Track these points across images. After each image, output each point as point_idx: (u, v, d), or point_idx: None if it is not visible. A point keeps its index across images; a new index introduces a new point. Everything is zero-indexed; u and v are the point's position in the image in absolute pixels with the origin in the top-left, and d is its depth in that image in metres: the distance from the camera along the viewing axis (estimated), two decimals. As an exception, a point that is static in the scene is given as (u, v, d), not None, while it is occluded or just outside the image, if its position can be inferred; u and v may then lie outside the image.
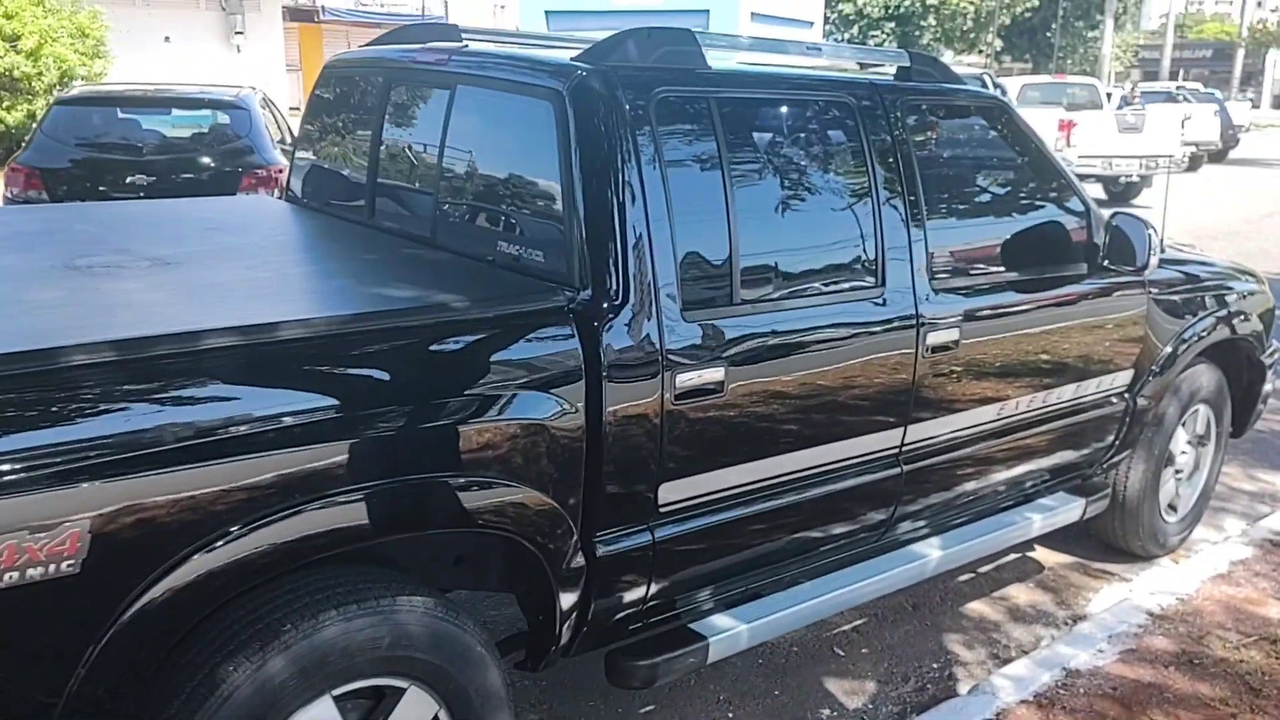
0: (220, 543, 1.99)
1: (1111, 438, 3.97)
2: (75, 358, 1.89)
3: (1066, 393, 3.67)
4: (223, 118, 8.06)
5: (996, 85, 17.06)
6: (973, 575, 4.24)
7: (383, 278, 2.74)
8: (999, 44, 41.39)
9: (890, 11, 36.70)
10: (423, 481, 2.25)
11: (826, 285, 2.96)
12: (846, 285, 2.99)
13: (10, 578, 1.77)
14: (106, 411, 1.91)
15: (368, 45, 3.69)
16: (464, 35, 3.46)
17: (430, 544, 2.54)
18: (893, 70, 3.39)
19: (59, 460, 1.81)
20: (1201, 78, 51.42)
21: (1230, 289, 4.31)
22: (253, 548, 2.02)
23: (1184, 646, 3.70)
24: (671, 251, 2.59)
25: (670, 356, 2.57)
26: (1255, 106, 50.38)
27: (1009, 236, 3.51)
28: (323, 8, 22.81)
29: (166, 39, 18.88)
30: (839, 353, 2.95)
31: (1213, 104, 25.23)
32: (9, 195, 7.51)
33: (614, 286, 2.52)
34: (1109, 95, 21.32)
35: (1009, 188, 3.74)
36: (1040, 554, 4.46)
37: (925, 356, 3.12)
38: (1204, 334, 4.11)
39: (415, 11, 24.39)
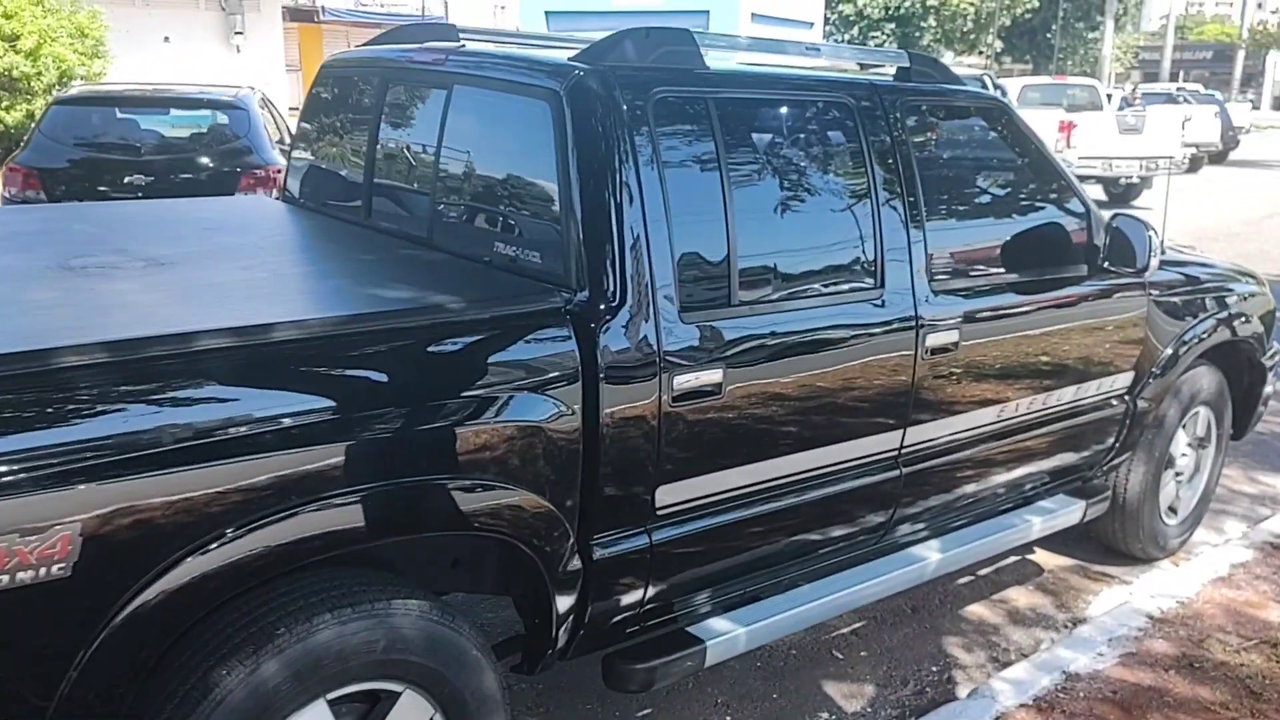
0: (214, 545, 1.97)
1: (1112, 440, 3.95)
2: (67, 359, 1.87)
3: (1066, 395, 3.66)
4: (221, 118, 8.04)
5: (997, 86, 17.06)
6: (972, 578, 4.22)
7: (379, 278, 2.72)
8: (999, 45, 41.40)
9: (890, 12, 36.71)
10: (418, 484, 2.23)
11: (825, 286, 2.95)
12: (845, 286, 2.98)
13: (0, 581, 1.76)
14: (99, 413, 1.89)
15: (364, 45, 3.68)
16: (461, 35, 3.44)
17: (426, 546, 2.52)
18: (892, 71, 3.38)
19: (50, 462, 1.79)
20: (1202, 79, 51.46)
21: (1231, 291, 4.29)
22: (247, 550, 2.01)
23: (1184, 650, 3.69)
24: (669, 252, 2.58)
25: (668, 358, 2.55)
26: (1255, 108, 50.39)
27: (1009, 238, 3.50)
28: (323, 8, 22.79)
29: (166, 39, 18.86)
30: (838, 354, 2.93)
31: (1213, 105, 25.23)
32: (7, 195, 7.49)
33: (611, 288, 2.50)
34: (1109, 96, 21.32)
35: (1009, 189, 3.73)
36: (1040, 556, 4.44)
37: (924, 358, 3.10)
38: (1204, 336, 4.10)
39: (415, 12, 24.37)
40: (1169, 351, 3.98)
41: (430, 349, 2.31)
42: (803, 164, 3.01)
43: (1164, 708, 3.34)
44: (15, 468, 1.76)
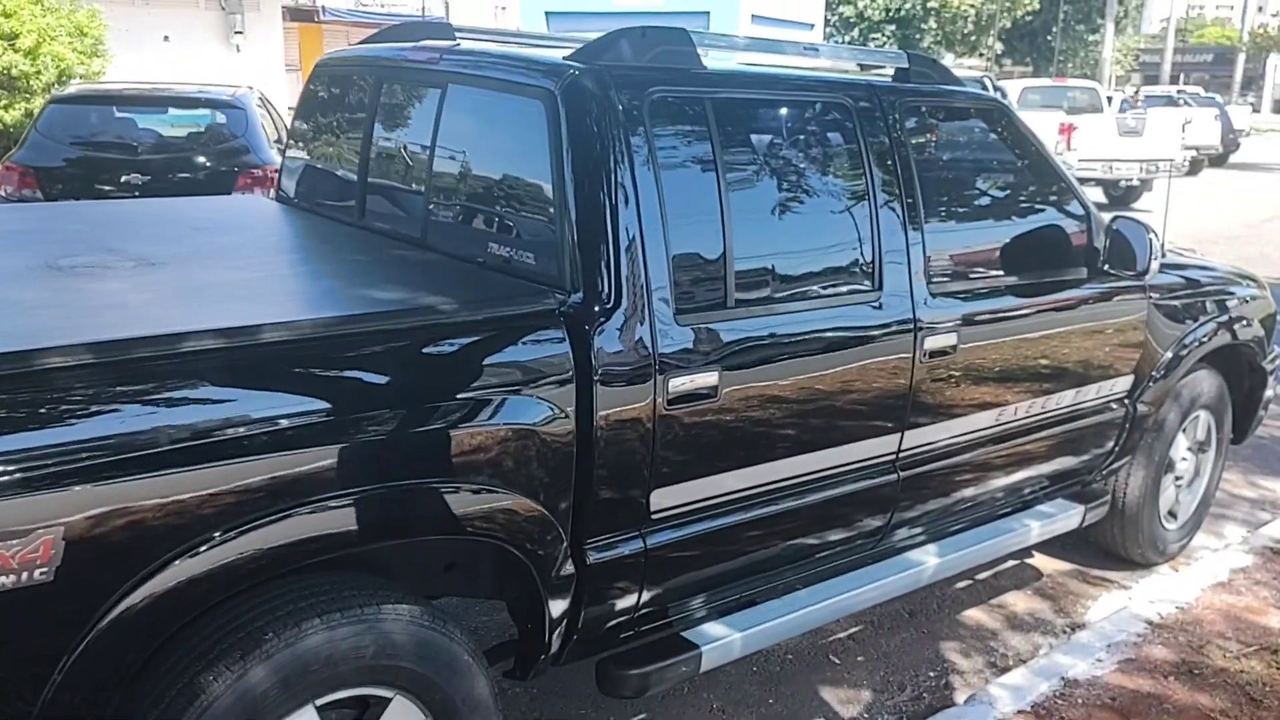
0: (201, 549, 1.95)
1: (1111, 444, 3.93)
2: (50, 360, 1.84)
3: (1066, 398, 3.63)
4: (219, 117, 8.02)
5: (997, 88, 17.04)
6: (970, 582, 4.20)
7: (371, 279, 2.70)
8: (1000, 47, 41.39)
9: (891, 14, 36.68)
10: (408, 488, 2.21)
11: (822, 289, 2.93)
12: (843, 289, 2.95)
13: (-19, 585, 1.73)
14: (83, 415, 1.86)
15: (360, 43, 3.65)
16: (457, 34, 3.42)
17: (418, 550, 2.49)
18: (891, 72, 3.35)
19: (32, 465, 1.77)
20: (1202, 82, 51.43)
21: (1231, 294, 4.27)
22: (235, 555, 1.99)
23: (1184, 656, 3.66)
24: (665, 254, 2.55)
25: (663, 361, 2.53)
26: (1256, 111, 50.41)
27: (1008, 240, 3.48)
28: (323, 8, 22.76)
29: (166, 38, 18.82)
30: (835, 357, 2.91)
31: (1213, 108, 25.21)
32: (3, 194, 7.46)
33: (606, 289, 2.48)
34: (1109, 99, 21.31)
35: (1008, 191, 3.70)
36: (1039, 561, 4.42)
37: (922, 361, 3.08)
38: (1205, 339, 4.08)
39: (415, 12, 24.35)
40: (1169, 355, 3.95)
41: (422, 351, 2.28)
42: (800, 165, 2.99)
43: (1163, 714, 3.32)
44: (-4, 470, 1.73)
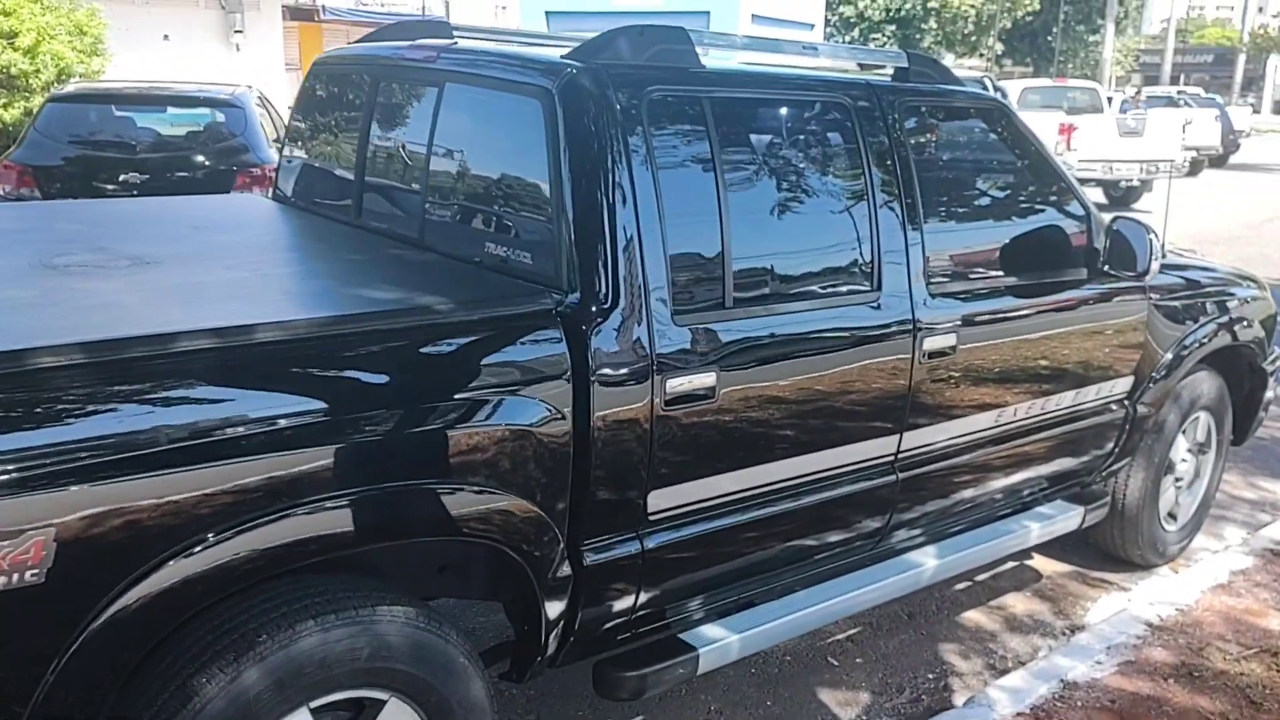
0: (194, 551, 1.93)
1: (1111, 445, 3.91)
2: (41, 360, 1.83)
3: (1065, 399, 3.62)
4: (218, 116, 8.01)
5: (997, 89, 17.02)
6: (969, 584, 4.18)
7: (367, 279, 2.68)
8: (1000, 48, 41.36)
9: (891, 14, 36.66)
10: (404, 488, 2.19)
11: (821, 289, 2.91)
12: (842, 289, 2.94)
13: (-29, 588, 1.72)
14: (74, 415, 1.85)
15: (357, 41, 3.64)
16: (455, 32, 3.40)
17: (414, 551, 2.47)
18: (890, 71, 3.34)
19: (23, 466, 1.75)
20: (1202, 83, 51.42)
21: (1232, 295, 4.26)
22: (229, 555, 1.97)
23: (1183, 658, 3.65)
24: (662, 254, 2.54)
25: (660, 361, 2.51)
26: (1256, 111, 50.37)
27: (1008, 240, 3.46)
28: (323, 7, 22.73)
29: (165, 37, 18.80)
30: (833, 358, 2.89)
31: (1213, 109, 25.19)
32: (1, 193, 7.45)
33: (603, 289, 2.46)
34: (1109, 99, 21.29)
35: (1008, 191, 3.69)
36: (1038, 562, 4.40)
37: (921, 362, 3.06)
38: (1205, 340, 4.06)
39: (416, 11, 24.33)
40: (1169, 356, 3.94)
41: (418, 351, 2.27)
42: (799, 165, 2.97)
43: (1163, 717, 3.30)
44: (-13, 471, 1.72)
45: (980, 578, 4.22)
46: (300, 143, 3.70)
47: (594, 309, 2.45)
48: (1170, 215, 7.73)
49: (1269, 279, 4.99)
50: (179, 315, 2.16)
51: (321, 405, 2.07)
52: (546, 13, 24.64)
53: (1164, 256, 3.68)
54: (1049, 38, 40.80)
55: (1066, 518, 3.84)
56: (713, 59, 2.88)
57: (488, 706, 2.39)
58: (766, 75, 3.14)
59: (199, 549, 1.93)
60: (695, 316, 2.60)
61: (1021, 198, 3.66)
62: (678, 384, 2.54)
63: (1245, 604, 4.06)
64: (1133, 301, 3.75)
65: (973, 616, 3.98)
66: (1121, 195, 16.94)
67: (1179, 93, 30.03)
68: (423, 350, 2.28)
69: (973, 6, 36.86)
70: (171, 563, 1.91)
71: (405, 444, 2.18)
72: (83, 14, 13.30)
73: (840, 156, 3.02)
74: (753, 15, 26.15)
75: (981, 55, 40.13)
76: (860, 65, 3.68)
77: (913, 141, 3.17)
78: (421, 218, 2.95)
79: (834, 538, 3.10)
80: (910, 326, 3.02)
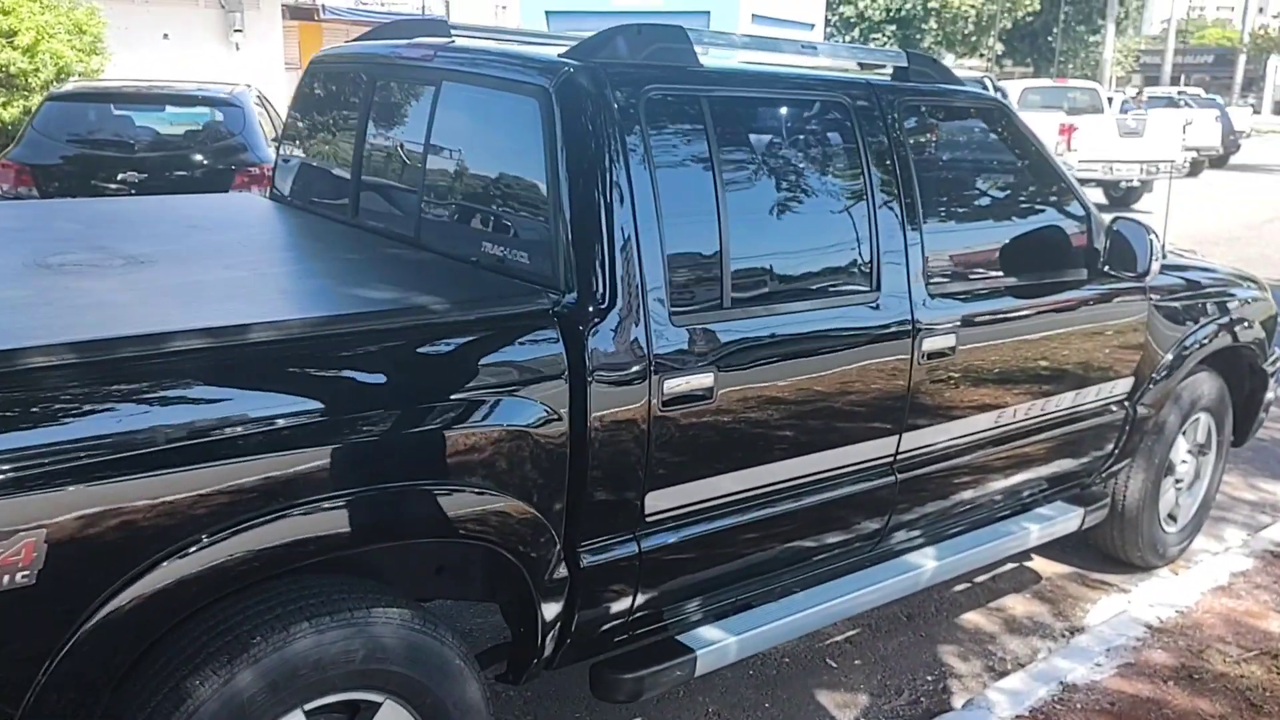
0: (188, 552, 1.92)
1: (1111, 446, 3.90)
2: (34, 360, 1.82)
3: (1065, 400, 3.60)
4: (217, 115, 7.99)
5: (997, 89, 17.01)
6: (969, 585, 4.17)
7: (363, 278, 2.67)
8: (1000, 48, 41.35)
9: (891, 14, 36.65)
10: (400, 489, 2.18)
11: (820, 289, 2.90)
12: (840, 289, 2.93)
13: (-39, 590, 1.71)
14: (66, 415, 1.83)
15: (354, 40, 3.62)
16: (453, 31, 3.39)
17: (409, 553, 2.46)
18: (890, 71, 3.32)
19: (13, 466, 1.73)
20: (1203, 83, 51.39)
21: (1232, 295, 4.25)
22: (224, 556, 1.96)
23: (1183, 661, 3.63)
24: (660, 253, 2.52)
25: (658, 361, 2.50)
26: (1256, 112, 50.36)
27: (1008, 241, 3.45)
28: (323, 6, 22.72)
29: (165, 36, 18.79)
30: (832, 358, 2.88)
31: (1214, 109, 25.18)
32: (-1, 192, 7.44)
33: (600, 289, 2.45)
34: (1110, 100, 21.28)
35: (1008, 191, 3.68)
36: (1037, 564, 4.39)
37: (921, 363, 3.05)
38: (1205, 341, 4.05)
39: (415, 10, 24.32)
40: (1169, 357, 3.93)
41: (414, 351, 2.26)
42: (798, 164, 2.96)
43: None
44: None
45: (979, 579, 4.20)
46: (297, 141, 3.69)
47: (591, 309, 2.43)
48: (1170, 216, 7.71)
49: (1269, 279, 4.97)
50: (175, 314, 2.14)
51: (317, 405, 2.06)
52: (546, 12, 24.62)
53: (1164, 257, 3.67)
54: (1049, 38, 40.79)
55: (1066, 519, 3.82)
56: (711, 58, 2.86)
57: (484, 709, 2.38)
58: (765, 74, 3.12)
59: (193, 550, 1.92)
60: (693, 317, 2.58)
61: (1021, 198, 3.64)
62: (675, 385, 2.53)
63: (1245, 606, 4.05)
64: (1133, 302, 3.74)
65: (972, 618, 3.97)
66: (1122, 196, 16.93)
67: (1179, 93, 30.02)
68: (419, 350, 2.26)
69: (973, 6, 36.86)
70: (165, 564, 1.90)
71: (401, 444, 2.17)
72: (82, 13, 13.29)
73: (839, 156, 3.01)
74: (753, 15, 26.14)
75: (982, 55, 40.12)
76: (860, 65, 3.67)
77: (912, 141, 3.16)
78: (418, 217, 2.94)
79: (833, 539, 3.09)
80: (909, 327, 3.01)
